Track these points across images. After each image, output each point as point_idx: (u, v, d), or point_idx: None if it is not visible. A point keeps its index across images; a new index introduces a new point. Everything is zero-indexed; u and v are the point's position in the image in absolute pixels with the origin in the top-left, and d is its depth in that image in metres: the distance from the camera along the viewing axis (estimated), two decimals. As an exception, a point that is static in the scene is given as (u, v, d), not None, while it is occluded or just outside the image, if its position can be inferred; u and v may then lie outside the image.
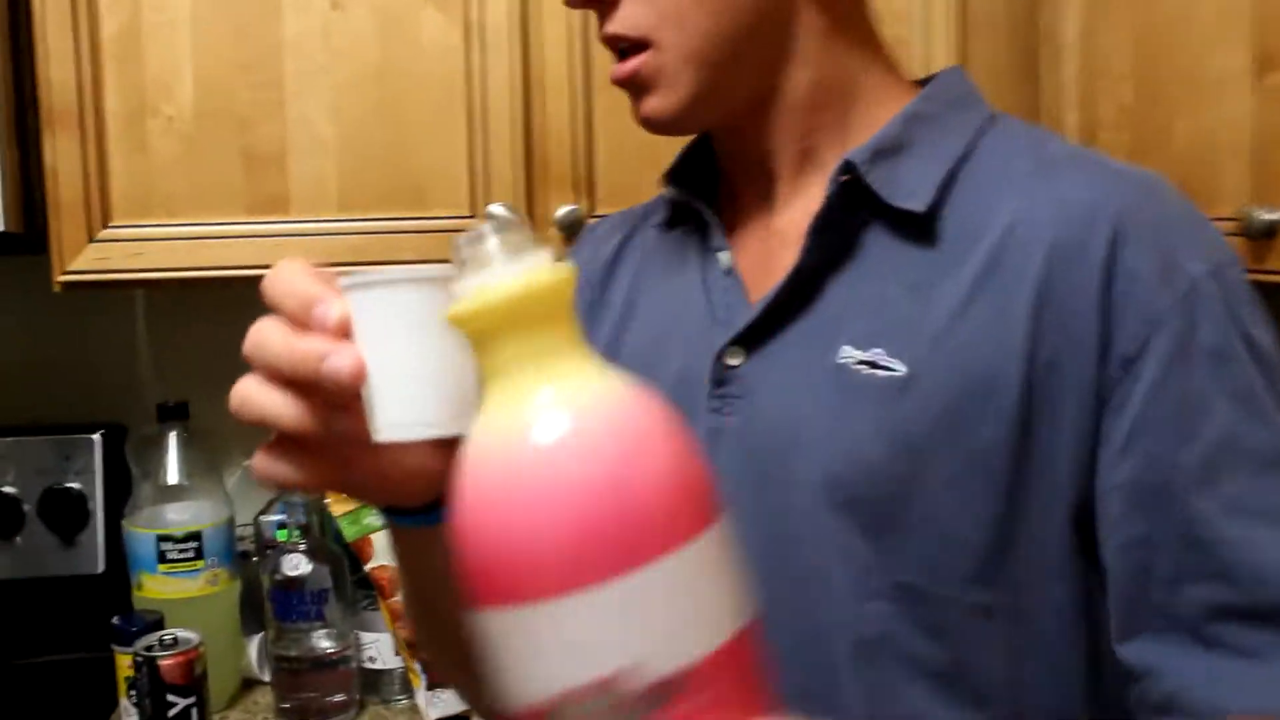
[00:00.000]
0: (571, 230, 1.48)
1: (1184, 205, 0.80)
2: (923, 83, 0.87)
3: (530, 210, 1.49)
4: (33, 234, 1.43)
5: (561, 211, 1.48)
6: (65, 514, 1.67)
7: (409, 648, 1.52)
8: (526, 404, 0.44)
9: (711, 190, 0.91)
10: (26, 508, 1.67)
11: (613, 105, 1.50)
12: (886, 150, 0.80)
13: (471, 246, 0.46)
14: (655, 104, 0.82)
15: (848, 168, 0.79)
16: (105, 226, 1.44)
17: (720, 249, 0.86)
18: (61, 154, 1.43)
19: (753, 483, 0.79)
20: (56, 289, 1.46)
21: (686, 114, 0.82)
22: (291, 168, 1.46)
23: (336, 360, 0.55)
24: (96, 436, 1.70)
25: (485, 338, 0.46)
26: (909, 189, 0.79)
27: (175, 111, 1.45)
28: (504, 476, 0.42)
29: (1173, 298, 0.73)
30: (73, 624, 1.68)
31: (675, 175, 0.91)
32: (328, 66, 1.46)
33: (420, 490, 0.66)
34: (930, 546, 0.75)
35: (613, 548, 0.40)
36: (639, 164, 1.50)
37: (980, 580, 0.74)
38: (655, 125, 0.83)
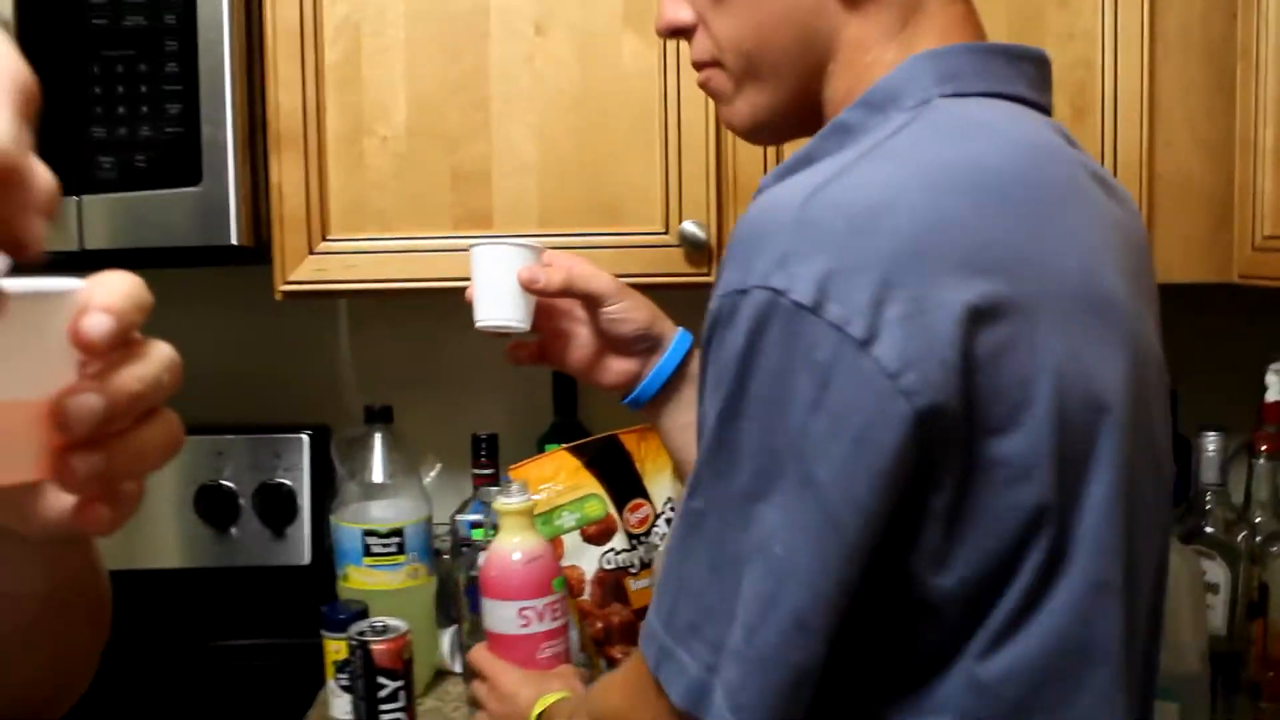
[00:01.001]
0: (760, 246, 1.53)
1: (812, 213, 0.72)
2: None
3: (720, 225, 1.54)
4: (258, 246, 1.54)
5: (750, 228, 1.52)
6: (276, 508, 1.79)
7: (595, 645, 1.58)
8: (509, 539, 1.28)
9: None
10: (242, 501, 1.79)
11: (801, 125, 1.54)
12: (794, 168, 0.82)
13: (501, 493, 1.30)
14: (727, 114, 0.96)
15: (760, 189, 0.83)
16: (324, 239, 1.55)
17: None
18: (287, 173, 1.54)
19: None
20: (278, 298, 1.57)
21: (754, 124, 0.95)
22: (496, 185, 1.55)
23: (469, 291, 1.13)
24: (305, 436, 1.82)
25: (502, 516, 1.28)
26: None
27: (390, 132, 1.55)
28: (494, 559, 1.29)
29: (712, 315, 0.76)
30: (281, 611, 1.79)
31: None
32: (531, 89, 1.54)
33: (630, 382, 1.16)
34: None
35: (514, 593, 1.26)
36: (826, 182, 1.55)
37: None
38: (735, 131, 0.98)
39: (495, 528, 1.34)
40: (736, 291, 0.73)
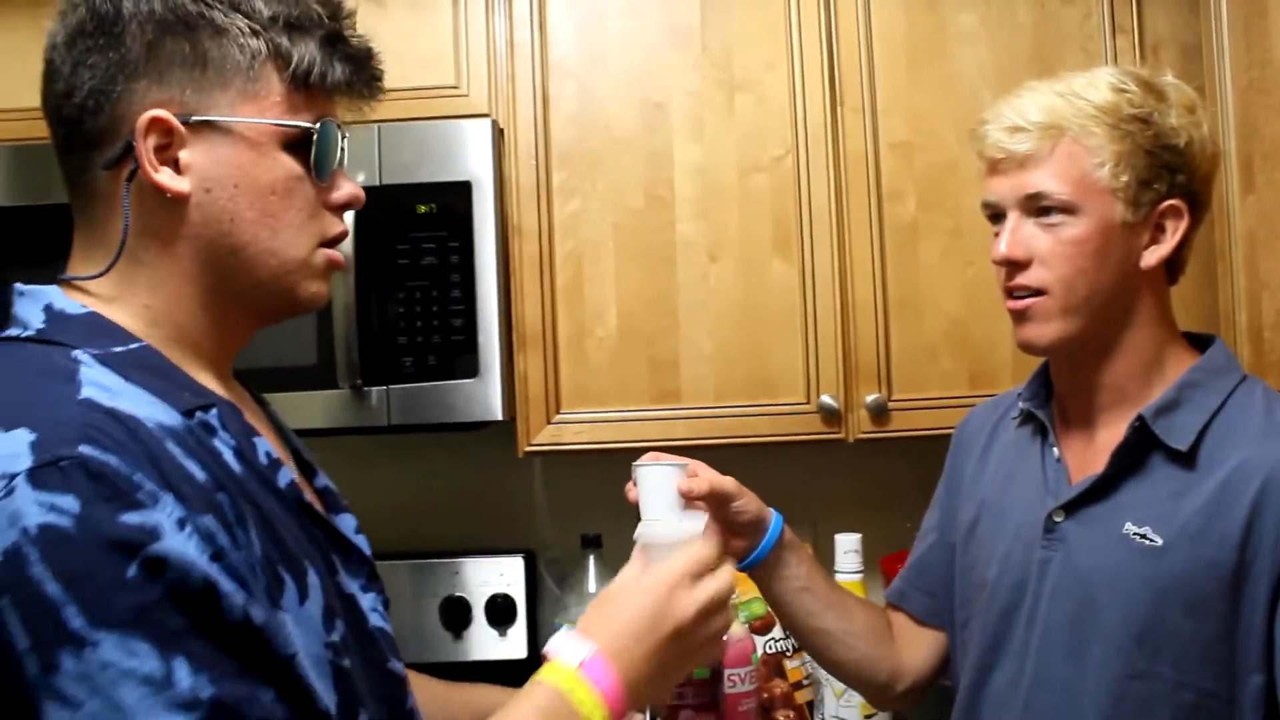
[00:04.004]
0: (877, 413, 2.09)
1: None
2: (1194, 341, 1.41)
3: (847, 398, 2.11)
4: (507, 420, 2.11)
5: (869, 399, 2.10)
6: (500, 614, 2.32)
7: (761, 710, 2.10)
8: None
9: (1046, 398, 1.46)
10: (475, 611, 2.33)
11: (902, 325, 2.12)
12: (1167, 407, 1.33)
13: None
14: (1035, 332, 1.36)
15: (1140, 419, 1.33)
16: (558, 413, 2.12)
17: (1054, 445, 1.42)
18: (530, 365, 2.12)
19: (1065, 595, 1.35)
20: (521, 456, 2.13)
21: (1054, 345, 1.37)
22: (682, 371, 2.12)
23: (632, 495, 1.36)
24: (519, 558, 2.37)
25: None
26: (1178, 434, 1.32)
27: (604, 333, 2.13)
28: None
29: None
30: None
31: (1028, 393, 1.48)
32: (707, 300, 2.13)
33: (744, 552, 1.47)
34: (1177, 650, 1.28)
35: (727, 663, 1.79)
36: (921, 363, 2.12)
37: (1209, 675, 1.27)
38: (1031, 347, 1.39)
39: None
40: None
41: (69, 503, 0.78)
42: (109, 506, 0.79)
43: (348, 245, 1.95)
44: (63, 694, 0.76)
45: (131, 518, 0.79)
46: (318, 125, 0.99)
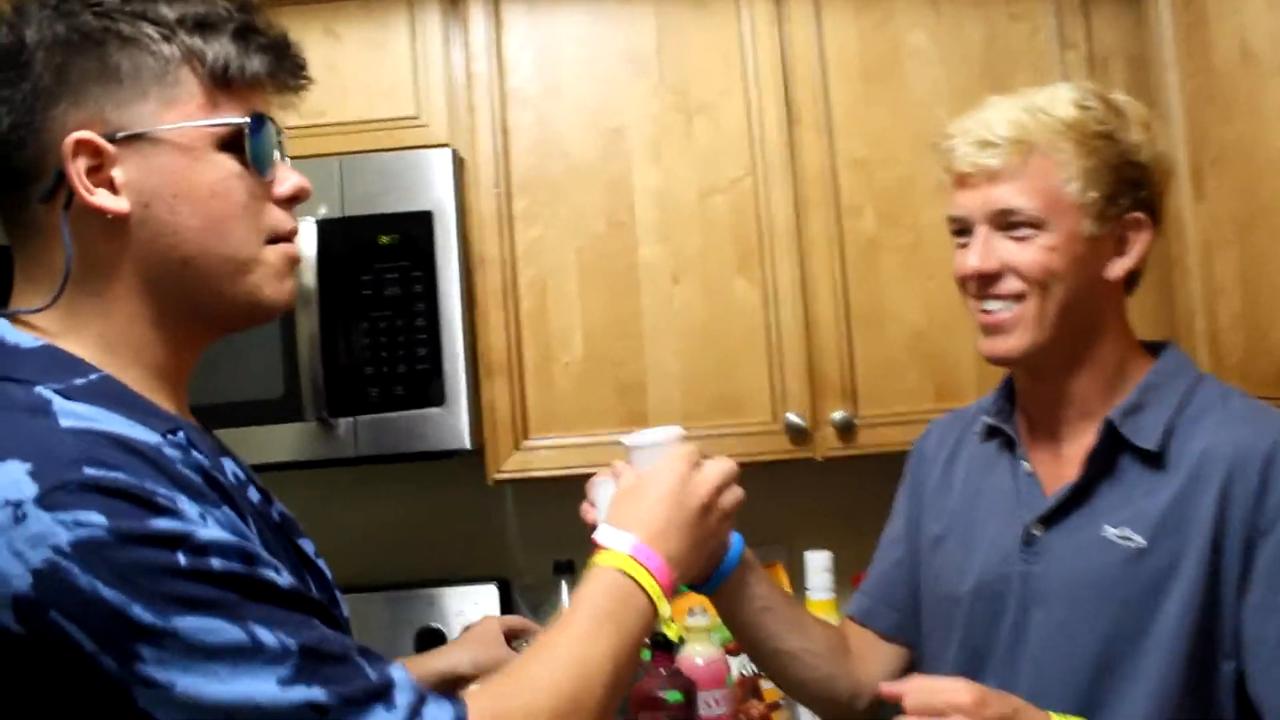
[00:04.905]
0: (844, 430, 2.11)
1: None
2: (1148, 348, 1.43)
3: (814, 415, 2.12)
4: (477, 447, 2.11)
5: (836, 415, 2.11)
6: (475, 644, 2.31)
7: None
8: (694, 647, 1.94)
9: (1010, 412, 1.47)
10: (450, 640, 2.32)
11: (866, 340, 2.14)
12: (1132, 410, 1.35)
13: None
14: (1007, 344, 1.36)
15: (1109, 422, 1.35)
16: (526, 439, 2.12)
17: (1024, 459, 1.43)
18: (497, 392, 2.12)
19: (1052, 603, 1.36)
20: (490, 484, 2.13)
21: (1024, 356, 1.36)
22: (649, 393, 2.13)
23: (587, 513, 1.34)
24: (493, 586, 2.36)
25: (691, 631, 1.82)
26: (1146, 434, 1.34)
27: (570, 359, 2.14)
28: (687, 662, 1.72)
29: None
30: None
31: (993, 408, 1.49)
32: (671, 322, 2.14)
33: (703, 575, 1.40)
34: (1165, 645, 1.29)
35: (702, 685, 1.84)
36: (886, 378, 2.14)
37: (1193, 666, 1.28)
38: (1001, 360, 1.39)
39: (681, 641, 1.88)
40: None
41: (94, 517, 0.78)
42: (135, 515, 0.80)
43: (310, 277, 1.98)
44: (150, 680, 0.78)
45: (159, 522, 0.81)
46: (248, 120, 0.96)
